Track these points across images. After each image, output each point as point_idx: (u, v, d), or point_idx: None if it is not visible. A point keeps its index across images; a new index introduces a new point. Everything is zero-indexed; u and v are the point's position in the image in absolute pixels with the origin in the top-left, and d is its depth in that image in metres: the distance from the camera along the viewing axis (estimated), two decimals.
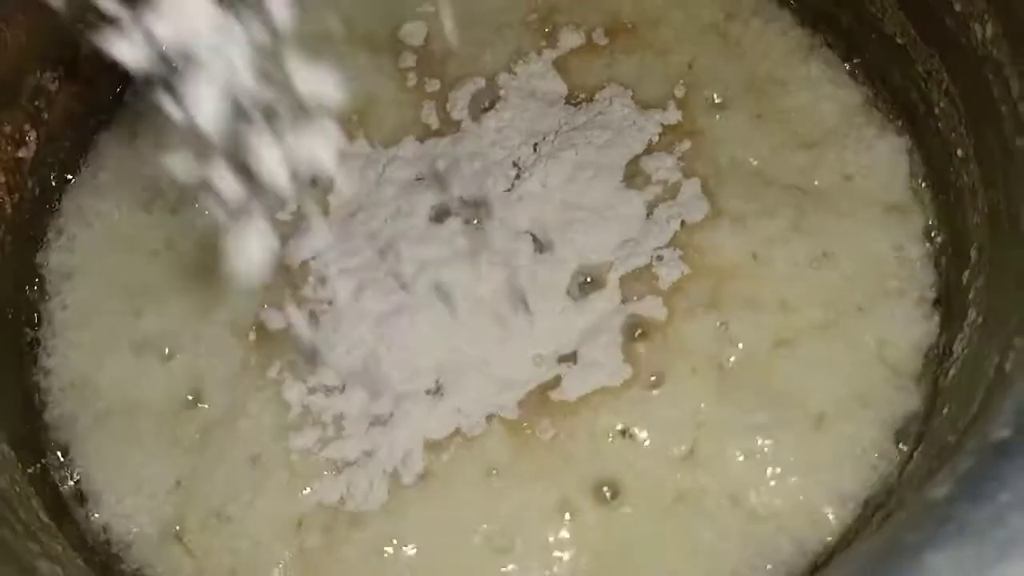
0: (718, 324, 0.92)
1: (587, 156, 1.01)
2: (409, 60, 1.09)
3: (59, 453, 0.94)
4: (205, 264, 0.99)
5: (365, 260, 0.98)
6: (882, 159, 0.98)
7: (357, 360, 0.94)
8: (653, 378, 0.90)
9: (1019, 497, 0.51)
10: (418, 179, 1.02)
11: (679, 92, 1.05)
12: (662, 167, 1.00)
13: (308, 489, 0.89)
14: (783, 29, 1.07)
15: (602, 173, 1.00)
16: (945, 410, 0.80)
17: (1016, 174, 0.79)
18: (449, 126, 1.06)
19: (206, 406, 0.94)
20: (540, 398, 0.91)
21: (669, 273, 0.94)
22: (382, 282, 0.96)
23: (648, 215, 0.98)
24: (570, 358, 0.93)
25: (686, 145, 1.01)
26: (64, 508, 0.90)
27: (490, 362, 0.93)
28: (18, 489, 0.84)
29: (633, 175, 1.00)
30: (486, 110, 1.06)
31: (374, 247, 0.99)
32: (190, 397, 0.95)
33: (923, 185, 0.97)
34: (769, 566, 0.83)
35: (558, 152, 1.02)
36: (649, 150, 1.02)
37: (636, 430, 0.88)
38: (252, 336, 0.96)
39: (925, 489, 0.56)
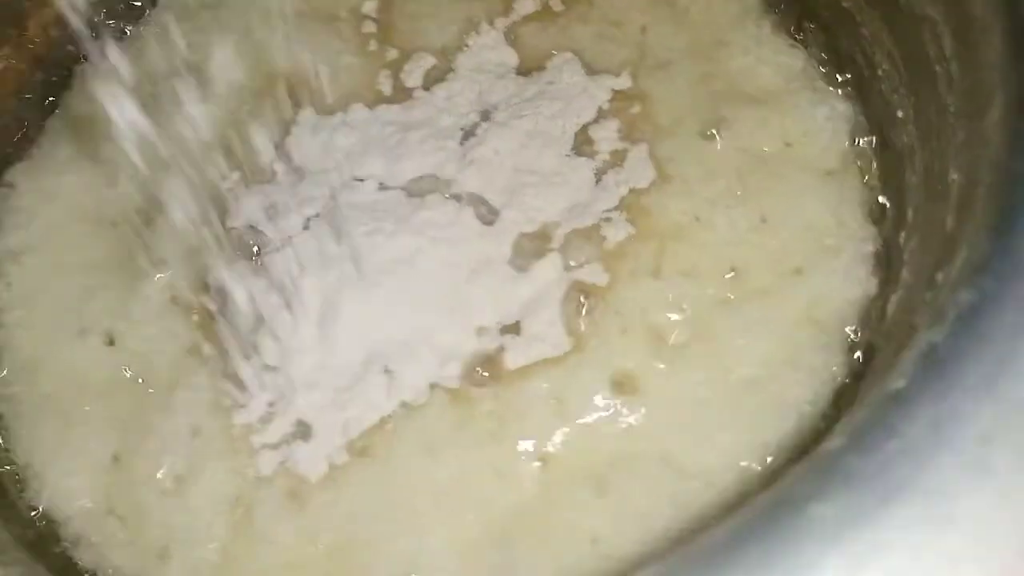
0: (659, 290, 0.91)
1: (538, 125, 1.01)
2: (370, 27, 1.09)
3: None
4: (152, 240, 0.99)
5: (310, 230, 0.98)
6: (825, 124, 0.97)
7: (301, 334, 0.93)
8: (592, 347, 0.90)
9: (908, 444, 0.51)
10: (365, 146, 1.02)
11: (630, 59, 1.04)
12: (611, 135, 1.00)
13: (248, 465, 0.89)
14: None
15: (552, 142, 1.00)
16: (876, 373, 0.80)
17: (947, 133, 0.78)
18: (401, 94, 1.06)
19: (148, 385, 0.94)
20: (482, 368, 0.91)
21: (616, 234, 0.94)
22: (327, 254, 0.96)
23: (597, 181, 0.98)
24: (513, 329, 0.92)
25: (635, 111, 1.01)
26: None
27: (434, 333, 0.93)
28: None
29: (583, 143, 1.00)
30: (438, 81, 1.06)
31: (319, 216, 0.99)
32: (133, 376, 0.94)
33: (870, 148, 0.96)
34: (694, 523, 0.83)
35: (510, 121, 1.01)
36: (599, 118, 1.01)
37: (573, 398, 0.88)
38: (195, 315, 0.96)
39: (821, 444, 0.55)
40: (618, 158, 0.98)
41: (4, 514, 0.85)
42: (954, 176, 0.74)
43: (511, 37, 1.07)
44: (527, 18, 1.08)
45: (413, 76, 1.07)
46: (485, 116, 1.03)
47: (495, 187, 0.98)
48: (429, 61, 1.07)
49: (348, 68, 1.07)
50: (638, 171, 0.97)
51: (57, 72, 1.09)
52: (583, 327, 0.91)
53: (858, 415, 0.54)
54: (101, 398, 0.93)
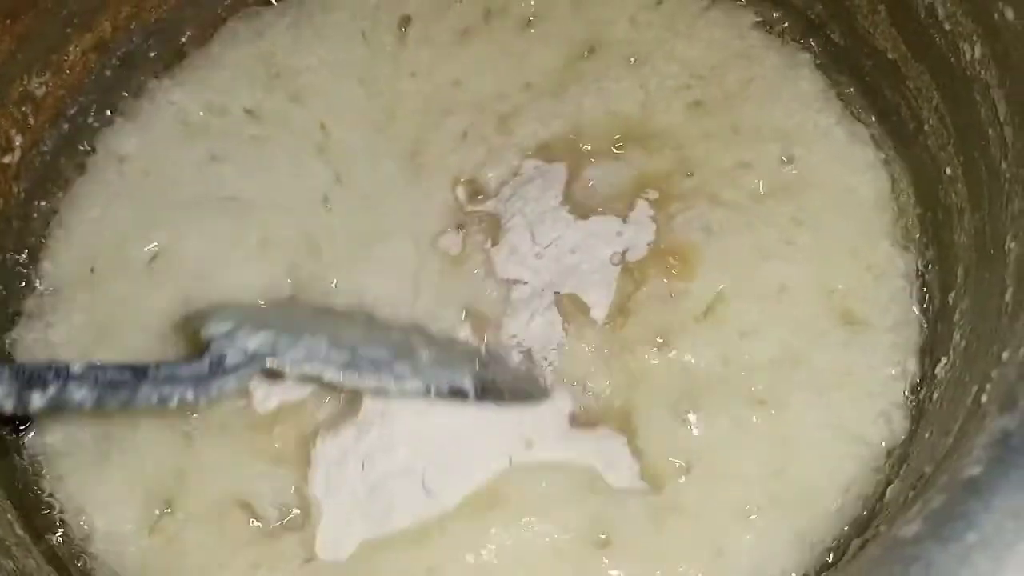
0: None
1: None
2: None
3: (40, 470, 0.93)
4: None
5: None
6: (868, 175, 0.97)
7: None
8: None
9: (986, 538, 0.51)
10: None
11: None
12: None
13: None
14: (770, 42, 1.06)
15: None
16: (927, 435, 0.80)
17: (1001, 198, 0.78)
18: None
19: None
20: None
21: None
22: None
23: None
24: None
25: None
26: (40, 523, 0.89)
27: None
28: None
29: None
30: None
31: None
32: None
33: (912, 201, 0.96)
34: None
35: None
36: None
37: None
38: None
39: (896, 525, 0.55)
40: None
41: (47, 555, 0.84)
42: (1011, 245, 0.74)
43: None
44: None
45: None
46: None
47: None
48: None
49: None
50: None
51: (98, 98, 1.08)
52: None
53: (933, 500, 0.54)
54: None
